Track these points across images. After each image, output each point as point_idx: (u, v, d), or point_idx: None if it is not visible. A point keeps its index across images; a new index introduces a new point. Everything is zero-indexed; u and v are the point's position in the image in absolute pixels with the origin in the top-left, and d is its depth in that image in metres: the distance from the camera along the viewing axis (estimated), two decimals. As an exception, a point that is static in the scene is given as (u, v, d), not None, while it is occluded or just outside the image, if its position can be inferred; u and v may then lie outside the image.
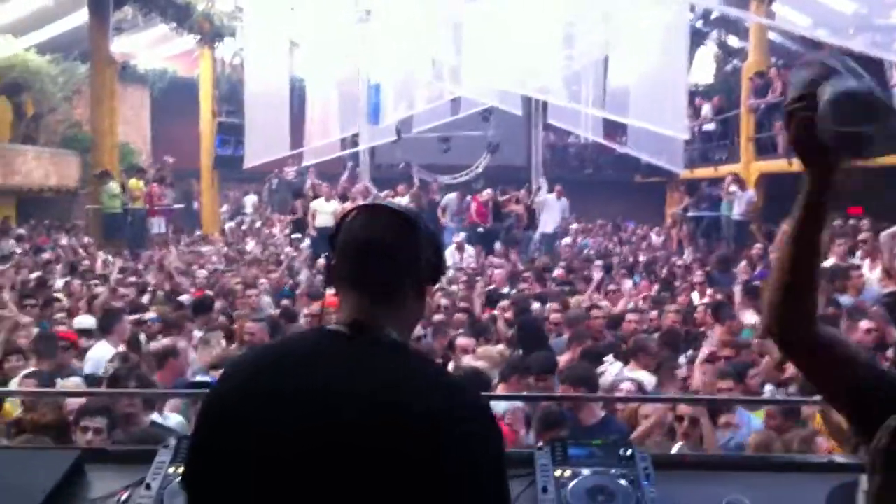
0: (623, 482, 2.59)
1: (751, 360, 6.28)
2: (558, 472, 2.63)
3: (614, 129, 18.20)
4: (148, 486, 2.54)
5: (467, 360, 6.30)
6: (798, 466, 2.91)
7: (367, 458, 1.45)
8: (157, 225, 18.78)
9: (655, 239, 19.37)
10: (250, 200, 24.98)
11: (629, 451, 2.71)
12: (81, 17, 18.80)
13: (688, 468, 2.88)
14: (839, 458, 3.14)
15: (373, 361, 1.57)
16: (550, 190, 18.72)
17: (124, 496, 2.58)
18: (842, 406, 1.66)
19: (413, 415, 1.48)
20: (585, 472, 2.64)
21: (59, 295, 9.80)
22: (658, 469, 2.66)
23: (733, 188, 16.42)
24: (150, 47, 23.08)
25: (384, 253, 1.68)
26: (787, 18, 18.76)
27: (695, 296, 10.28)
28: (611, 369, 6.05)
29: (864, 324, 6.71)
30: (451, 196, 18.35)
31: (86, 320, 8.01)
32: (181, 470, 2.56)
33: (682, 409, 4.87)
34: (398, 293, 1.69)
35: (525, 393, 5.54)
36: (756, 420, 5.42)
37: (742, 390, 5.66)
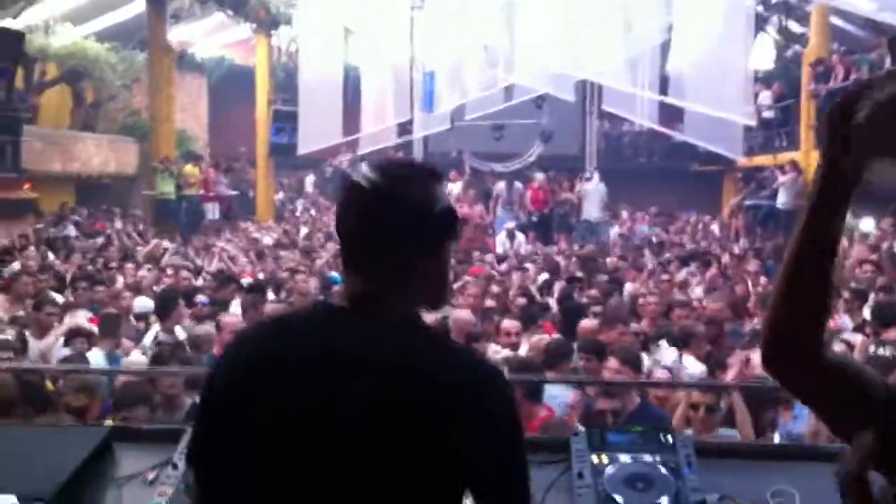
0: (663, 469, 2.49)
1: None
2: (595, 458, 2.54)
3: (671, 116, 17.86)
4: (175, 466, 2.51)
5: (518, 349, 6.23)
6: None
7: (381, 425, 1.41)
8: (212, 211, 18.93)
9: (714, 228, 19.04)
10: (310, 181, 25.02)
11: (670, 438, 2.61)
12: (139, 5, 19.00)
13: (731, 457, 2.76)
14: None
15: (375, 332, 1.51)
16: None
17: (151, 475, 2.55)
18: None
19: (430, 382, 1.44)
20: (624, 458, 2.55)
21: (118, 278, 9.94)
22: (700, 457, 2.55)
23: (783, 178, 16.13)
24: (207, 36, 23.19)
25: (364, 234, 1.58)
26: (851, 2, 18.26)
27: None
28: (666, 354, 5.92)
29: None
30: (501, 184, 18.25)
31: (144, 302, 8.09)
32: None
33: (696, 397, 4.64)
34: (409, 265, 1.58)
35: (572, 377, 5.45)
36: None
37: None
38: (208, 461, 1.54)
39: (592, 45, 15.31)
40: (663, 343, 6.22)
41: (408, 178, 1.59)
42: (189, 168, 18.85)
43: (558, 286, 9.65)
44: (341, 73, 18.38)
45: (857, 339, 5.77)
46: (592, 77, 18.23)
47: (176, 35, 19.63)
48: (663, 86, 16.28)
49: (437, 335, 1.66)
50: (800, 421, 4.98)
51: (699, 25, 14.56)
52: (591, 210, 17.30)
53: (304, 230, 17.84)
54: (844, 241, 11.00)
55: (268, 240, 15.28)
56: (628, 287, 9.92)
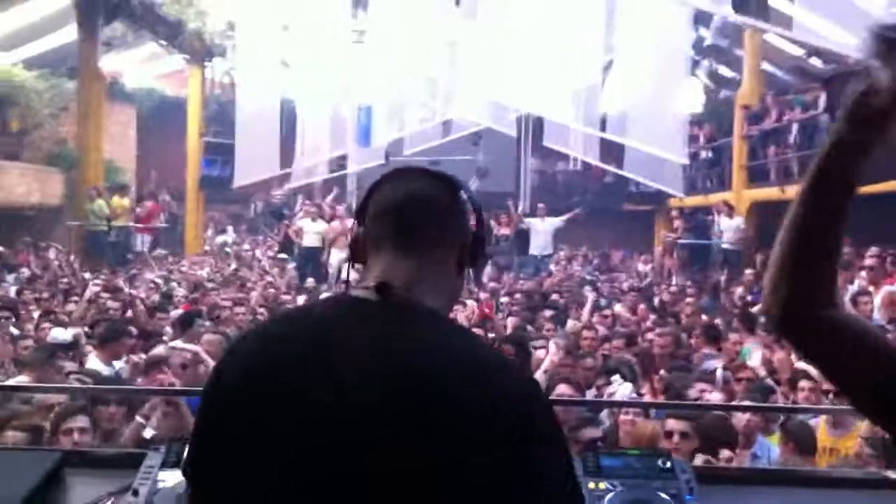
0: (664, 496, 2.35)
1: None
2: (591, 485, 2.38)
3: (610, 154, 18.04)
4: (136, 493, 2.28)
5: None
6: (846, 482, 2.68)
7: (402, 440, 1.20)
8: (142, 242, 18.44)
9: (642, 267, 19.26)
10: (230, 229, 24.73)
11: (668, 463, 2.46)
12: (70, 33, 18.59)
13: (731, 482, 2.64)
14: (890, 474, 2.90)
15: (402, 330, 1.32)
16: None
17: (108, 503, 2.32)
18: (866, 404, 1.36)
19: (459, 394, 1.23)
20: (622, 484, 2.39)
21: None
22: (699, 483, 2.42)
23: (721, 216, 16.45)
24: (139, 65, 22.85)
25: (426, 209, 1.48)
26: (780, 47, 18.80)
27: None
28: (620, 389, 5.81)
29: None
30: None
31: (60, 334, 7.76)
32: (172, 475, 2.32)
33: (671, 423, 4.57)
34: (438, 255, 1.47)
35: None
36: (775, 447, 5.17)
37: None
38: (206, 473, 1.35)
39: (533, 80, 15.39)
40: (616, 378, 6.11)
41: (465, 188, 1.55)
42: (117, 199, 18.40)
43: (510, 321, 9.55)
44: (278, 106, 18.18)
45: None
46: (534, 111, 18.32)
47: (107, 63, 19.23)
48: (603, 123, 16.47)
49: (467, 334, 1.49)
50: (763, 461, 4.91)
51: (638, 65, 14.77)
52: (539, 246, 17.24)
53: (233, 264, 17.53)
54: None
55: (203, 273, 14.94)
56: (570, 324, 9.88)
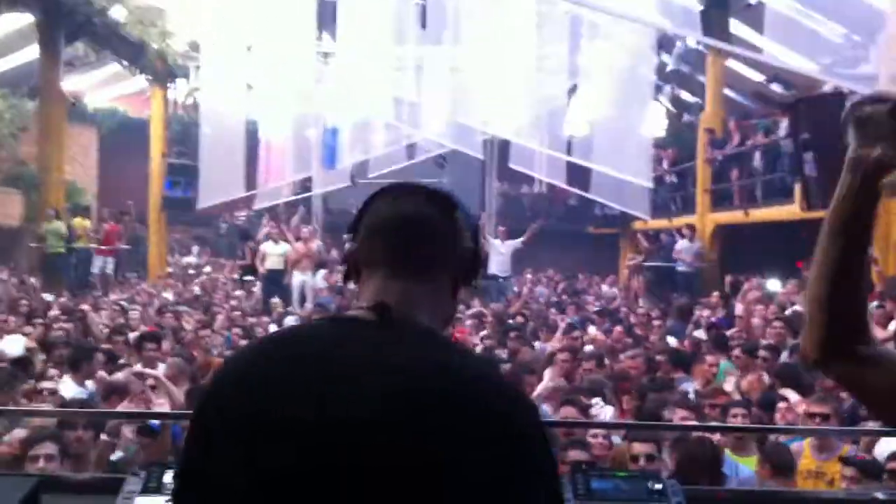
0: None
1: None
2: (582, 508, 2.35)
3: (575, 177, 18.12)
4: (115, 520, 2.21)
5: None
6: (836, 503, 2.66)
7: (410, 459, 1.19)
8: (103, 264, 18.13)
9: (607, 289, 19.34)
10: (195, 250, 24.53)
11: (659, 485, 2.43)
12: (31, 52, 18.39)
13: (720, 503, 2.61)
14: (882, 496, 2.90)
15: (405, 349, 1.30)
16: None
17: (86, 531, 2.24)
18: None
19: (464, 414, 1.23)
20: (612, 507, 2.36)
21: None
22: (690, 504, 2.39)
23: (681, 239, 16.64)
24: (100, 86, 22.65)
25: (421, 230, 1.46)
26: (741, 73, 19.08)
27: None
28: (603, 412, 5.79)
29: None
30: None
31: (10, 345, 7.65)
32: (152, 501, 2.25)
33: (637, 447, 4.58)
34: (433, 275, 1.46)
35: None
36: (745, 469, 5.16)
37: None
38: (208, 488, 1.29)
39: (499, 102, 15.46)
40: (596, 401, 6.09)
41: (461, 206, 1.54)
42: (78, 221, 18.15)
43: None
44: (242, 128, 18.05)
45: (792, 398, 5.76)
46: (499, 134, 18.37)
47: (68, 84, 19.02)
48: (569, 146, 16.56)
49: (470, 354, 1.48)
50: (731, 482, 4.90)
51: (602, 88, 14.90)
52: (499, 267, 17.20)
53: (196, 288, 17.36)
54: (753, 298, 11.26)
55: (167, 295, 14.77)
56: (538, 345, 9.87)
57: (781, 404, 5.59)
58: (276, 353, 1.36)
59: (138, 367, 6.68)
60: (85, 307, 11.24)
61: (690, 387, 6.75)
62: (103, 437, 4.21)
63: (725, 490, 3.81)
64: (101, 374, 6.83)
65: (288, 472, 1.21)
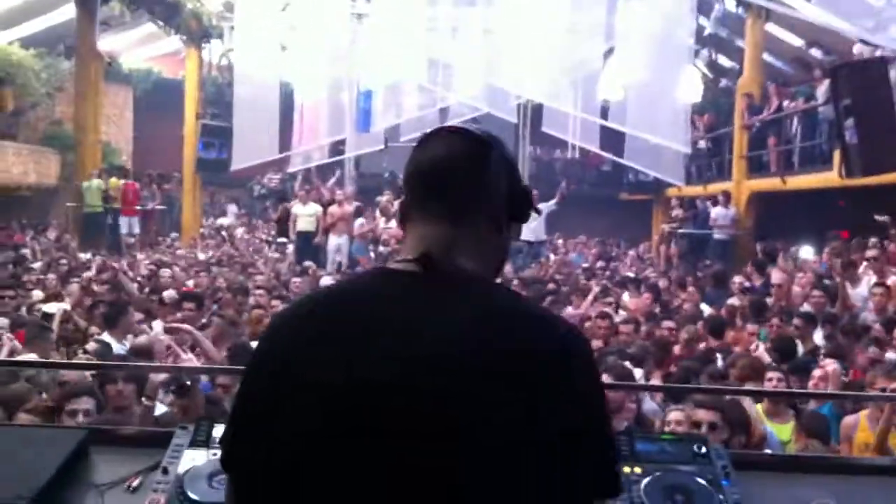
0: (701, 481, 2.31)
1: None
2: (627, 469, 2.35)
3: (609, 143, 17.99)
4: (165, 471, 2.23)
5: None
6: (885, 470, 2.64)
7: (480, 408, 1.21)
8: (128, 225, 18.17)
9: (639, 256, 19.26)
10: (232, 210, 24.63)
11: (704, 448, 2.43)
12: (67, 12, 18.43)
13: (767, 468, 2.59)
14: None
15: (437, 306, 1.31)
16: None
17: (136, 482, 2.27)
18: None
19: (483, 380, 1.24)
20: (658, 468, 2.35)
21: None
22: (735, 469, 2.38)
23: (716, 206, 16.52)
24: (136, 46, 22.66)
25: (453, 172, 1.46)
26: (781, 38, 18.73)
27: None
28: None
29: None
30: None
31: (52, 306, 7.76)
32: (200, 454, 2.28)
33: (701, 414, 4.53)
34: (472, 218, 1.45)
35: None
36: (774, 437, 5.13)
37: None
38: (264, 469, 1.29)
39: (534, 66, 15.30)
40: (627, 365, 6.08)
41: (497, 145, 1.51)
42: (115, 181, 18.28)
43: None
44: (277, 90, 18.03)
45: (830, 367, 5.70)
46: (533, 97, 18.21)
47: (104, 44, 19.07)
48: (604, 111, 16.38)
49: (517, 296, 1.48)
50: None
51: (639, 53, 14.67)
52: (533, 231, 17.15)
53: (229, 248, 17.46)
54: (791, 267, 11.16)
55: (201, 256, 14.88)
56: (570, 310, 9.85)
57: (816, 371, 5.55)
58: (319, 311, 1.38)
59: (175, 325, 6.77)
60: (116, 266, 11.35)
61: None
62: (144, 401, 4.25)
63: (770, 454, 3.80)
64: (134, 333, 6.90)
65: (315, 436, 1.23)
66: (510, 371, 1.24)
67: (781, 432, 5.17)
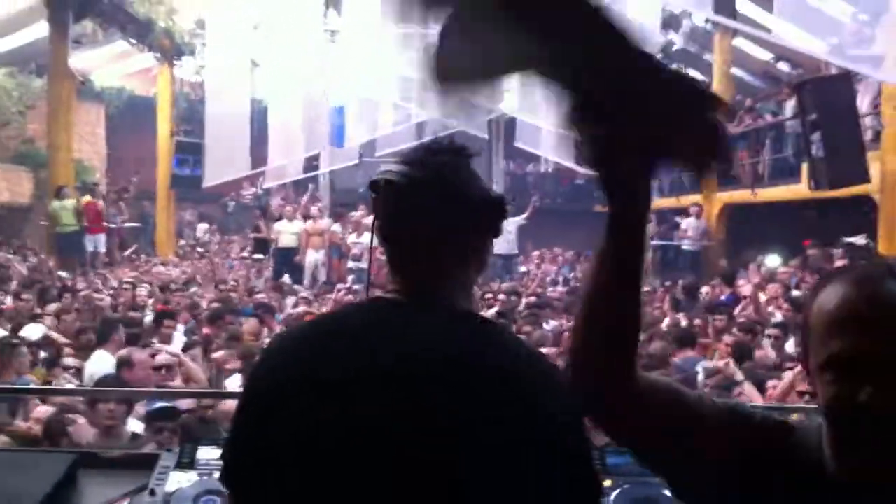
0: (668, 493, 2.39)
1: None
2: (598, 483, 2.43)
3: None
4: (153, 492, 2.30)
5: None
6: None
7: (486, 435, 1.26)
8: (93, 243, 17.89)
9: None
10: (202, 228, 24.58)
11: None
12: (39, 30, 18.39)
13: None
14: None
15: (436, 328, 1.38)
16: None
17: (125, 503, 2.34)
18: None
19: (523, 383, 1.32)
20: (626, 481, 2.44)
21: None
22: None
23: (687, 220, 16.73)
24: (108, 64, 22.60)
25: (412, 200, 1.46)
26: (749, 52, 19.02)
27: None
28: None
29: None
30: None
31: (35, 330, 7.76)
32: (186, 476, 2.35)
33: None
34: (445, 238, 1.47)
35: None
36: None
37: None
38: (246, 484, 1.38)
39: (509, 80, 15.42)
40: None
41: (449, 164, 1.49)
42: (87, 199, 18.17)
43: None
44: (248, 106, 18.05)
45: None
46: (506, 111, 18.37)
47: (76, 62, 19.02)
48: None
49: (498, 328, 1.53)
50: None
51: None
52: (504, 245, 17.26)
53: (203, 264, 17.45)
54: (757, 279, 11.33)
55: (176, 272, 14.86)
56: (552, 323, 9.93)
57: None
58: (313, 337, 1.45)
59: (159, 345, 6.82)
60: (81, 287, 11.28)
61: (701, 367, 6.79)
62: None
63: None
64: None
65: (319, 435, 1.29)
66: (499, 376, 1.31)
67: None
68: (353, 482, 1.26)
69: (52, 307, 9.58)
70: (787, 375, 5.82)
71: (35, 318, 8.73)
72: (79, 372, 6.36)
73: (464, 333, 1.38)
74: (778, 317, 9.02)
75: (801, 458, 1.22)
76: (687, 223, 16.89)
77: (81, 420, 4.15)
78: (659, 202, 19.25)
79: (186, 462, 2.42)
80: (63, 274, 13.81)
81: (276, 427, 1.34)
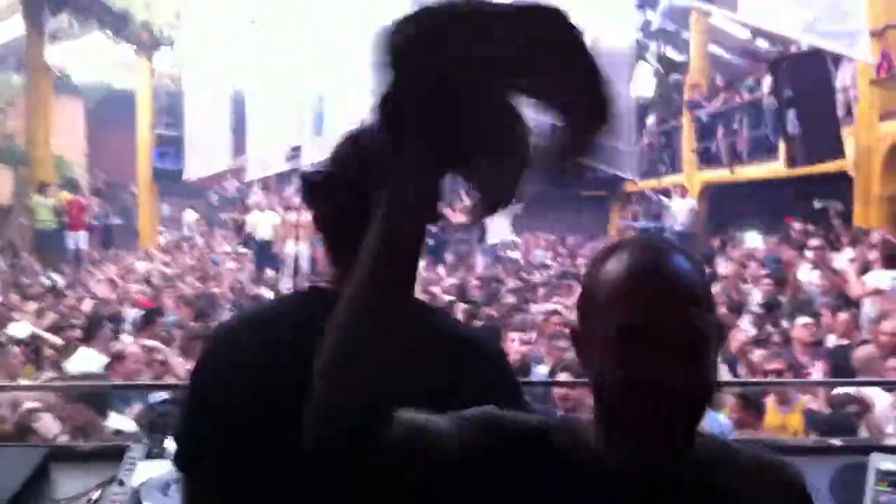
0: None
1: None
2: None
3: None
4: (121, 483, 2.33)
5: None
6: (796, 450, 2.81)
7: None
8: (75, 240, 17.69)
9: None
10: (190, 217, 24.42)
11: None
12: (15, 26, 18.25)
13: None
14: (836, 442, 3.09)
15: None
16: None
17: (95, 495, 2.37)
18: None
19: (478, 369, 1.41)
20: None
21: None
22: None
23: (673, 199, 16.72)
24: (85, 57, 22.43)
25: (346, 200, 1.45)
26: (727, 30, 19.04)
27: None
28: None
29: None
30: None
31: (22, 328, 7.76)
32: (154, 465, 2.38)
33: None
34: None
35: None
36: (719, 417, 5.29)
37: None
38: (220, 468, 1.39)
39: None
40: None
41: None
42: (65, 195, 18.06)
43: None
44: (228, 98, 17.98)
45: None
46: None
47: (53, 56, 18.89)
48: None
49: (436, 312, 1.59)
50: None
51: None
52: (497, 233, 17.29)
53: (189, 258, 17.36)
54: (737, 255, 11.39)
55: (162, 268, 14.81)
56: (540, 307, 9.95)
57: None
58: (253, 327, 1.48)
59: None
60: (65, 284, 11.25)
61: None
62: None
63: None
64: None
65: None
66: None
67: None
68: (302, 464, 1.28)
69: (33, 305, 9.57)
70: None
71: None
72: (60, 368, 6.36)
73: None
74: (757, 295, 9.08)
75: (565, 450, 1.15)
76: (675, 204, 16.82)
77: (47, 415, 4.14)
78: (641, 184, 19.32)
79: (156, 452, 2.45)
80: (54, 276, 13.71)
81: (227, 413, 1.37)
